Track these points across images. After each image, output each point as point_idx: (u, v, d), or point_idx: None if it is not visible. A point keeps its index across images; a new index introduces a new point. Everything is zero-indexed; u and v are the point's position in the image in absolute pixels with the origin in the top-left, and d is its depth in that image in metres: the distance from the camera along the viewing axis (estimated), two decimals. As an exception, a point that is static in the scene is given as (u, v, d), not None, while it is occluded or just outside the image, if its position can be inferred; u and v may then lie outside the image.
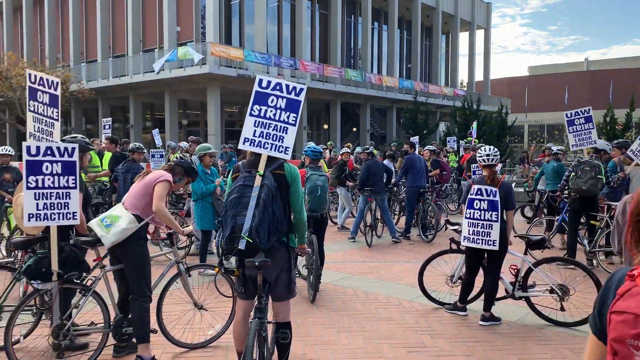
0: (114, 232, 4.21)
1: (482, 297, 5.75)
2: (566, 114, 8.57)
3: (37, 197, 4.19)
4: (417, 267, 6.40)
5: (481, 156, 5.73)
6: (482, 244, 5.51)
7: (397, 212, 12.80)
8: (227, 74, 26.73)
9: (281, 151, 3.84)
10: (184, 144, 13.08)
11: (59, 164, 4.26)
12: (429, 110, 35.18)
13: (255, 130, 3.86)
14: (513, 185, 6.01)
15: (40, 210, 4.21)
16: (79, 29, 35.82)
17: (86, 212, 5.03)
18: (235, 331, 3.84)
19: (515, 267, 5.79)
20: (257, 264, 3.42)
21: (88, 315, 4.86)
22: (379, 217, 10.58)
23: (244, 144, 3.86)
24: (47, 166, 4.22)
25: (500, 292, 5.75)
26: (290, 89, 3.93)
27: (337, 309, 6.04)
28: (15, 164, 8.98)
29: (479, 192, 5.56)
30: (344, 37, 37.50)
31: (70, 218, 4.34)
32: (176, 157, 4.79)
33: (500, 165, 6.04)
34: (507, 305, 6.03)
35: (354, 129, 39.27)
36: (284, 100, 3.91)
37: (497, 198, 5.47)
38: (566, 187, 8.50)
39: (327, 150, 18.04)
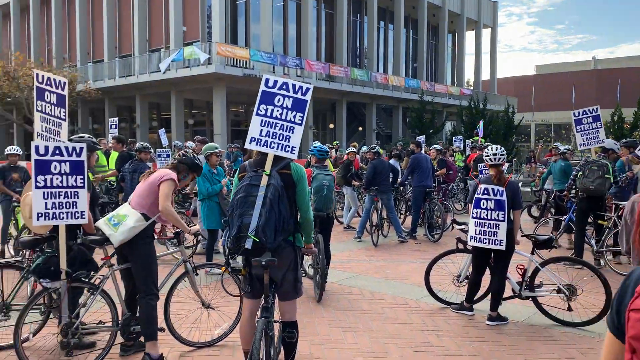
0: (122, 231, 4.23)
1: (489, 296, 5.74)
2: (574, 113, 8.52)
3: (45, 197, 4.23)
4: (424, 267, 6.39)
5: (488, 155, 5.71)
6: (489, 243, 5.49)
7: (403, 212, 12.78)
8: (233, 74, 26.77)
9: (287, 151, 3.84)
10: (190, 143, 13.10)
11: (67, 163, 4.29)
12: (435, 110, 35.12)
13: (261, 130, 3.86)
14: (520, 184, 5.98)
15: (48, 209, 4.24)
16: (85, 29, 35.97)
17: (93, 212, 5.05)
18: (242, 330, 3.85)
19: (522, 267, 5.77)
20: (263, 263, 3.42)
21: (95, 315, 4.88)
22: (385, 217, 10.57)
23: (250, 143, 3.86)
24: (55, 166, 4.25)
25: (507, 292, 5.73)
26: (297, 88, 3.93)
27: (343, 308, 6.04)
28: (22, 163, 9.03)
29: (485, 192, 5.55)
30: (350, 37, 37.47)
31: (78, 217, 4.37)
32: (179, 155, 4.80)
33: (506, 164, 6.00)
34: (514, 305, 6.01)
35: (360, 129, 39.23)
36: (291, 99, 3.91)
37: (504, 197, 5.45)
38: (573, 187, 8.46)
39: (333, 150, 18.04)
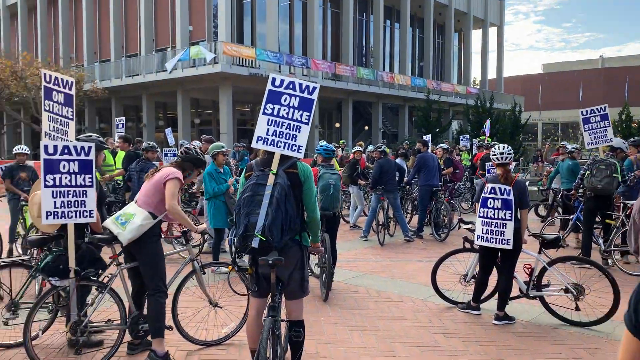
0: (130, 229, 4.25)
1: (496, 296, 5.72)
2: (582, 112, 8.48)
3: (54, 195, 4.26)
4: (430, 266, 6.37)
5: (495, 154, 5.69)
6: (495, 243, 5.48)
7: (409, 211, 12.76)
8: (239, 73, 26.82)
9: (294, 150, 3.84)
10: (196, 142, 13.13)
11: (76, 162, 4.32)
12: (442, 109, 35.03)
13: (268, 129, 3.86)
14: (527, 183, 5.96)
15: (57, 208, 4.28)
16: (92, 29, 36.12)
17: (100, 211, 5.07)
18: (249, 329, 3.86)
19: (529, 266, 5.75)
20: (270, 262, 3.43)
21: (102, 313, 4.90)
22: (392, 216, 10.55)
23: (257, 142, 3.87)
24: (64, 165, 4.28)
25: (514, 292, 5.71)
26: (304, 87, 3.93)
27: (349, 307, 6.04)
28: (30, 162, 9.07)
29: (492, 191, 5.53)
30: (356, 36, 37.44)
31: (87, 216, 4.40)
32: (181, 152, 4.77)
33: (513, 163, 5.98)
34: (521, 304, 5.99)
35: (366, 128, 39.20)
36: (297, 99, 3.91)
37: (511, 197, 5.43)
38: (581, 186, 8.42)
39: (339, 149, 18.03)
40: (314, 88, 3.95)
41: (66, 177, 4.29)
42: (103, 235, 4.42)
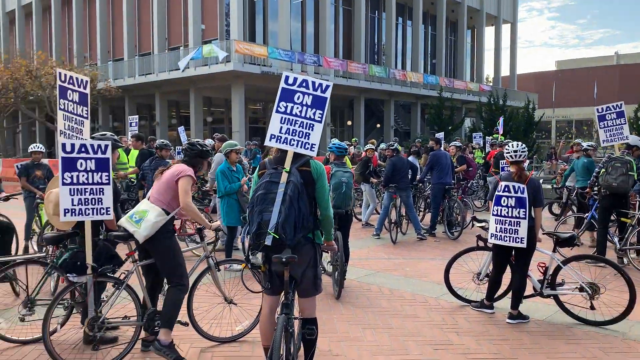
0: (145, 227, 4.30)
1: (510, 294, 5.68)
2: (597, 109, 8.40)
3: (72, 193, 4.33)
4: (443, 265, 6.35)
5: (509, 152, 5.65)
6: (509, 241, 5.44)
7: (422, 209, 12.71)
8: (251, 71, 26.88)
9: (307, 148, 3.84)
10: (209, 141, 13.19)
11: (93, 160, 4.39)
12: (454, 106, 34.84)
13: (281, 127, 3.87)
14: (541, 181, 5.91)
15: (75, 205, 4.35)
16: (106, 28, 36.40)
17: (115, 209, 5.11)
18: (262, 326, 3.87)
19: (543, 265, 5.71)
20: (284, 259, 3.44)
21: (116, 310, 4.95)
22: (404, 214, 10.52)
23: (270, 140, 3.87)
24: (81, 163, 4.35)
25: (528, 290, 5.67)
26: (317, 85, 3.93)
27: (362, 305, 6.04)
28: (45, 161, 9.16)
29: (506, 189, 5.49)
30: (368, 33, 37.36)
31: (103, 213, 4.47)
32: (187, 150, 4.78)
33: (527, 161, 5.93)
34: (535, 303, 5.95)
35: (378, 125, 39.11)
36: (310, 97, 3.91)
37: (525, 195, 5.39)
38: (596, 184, 8.34)
39: (351, 147, 18.00)
40: (327, 86, 3.95)
41: (83, 175, 4.36)
42: (119, 232, 4.47)
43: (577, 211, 10.15)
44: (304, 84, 3.92)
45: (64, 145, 4.29)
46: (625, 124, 8.18)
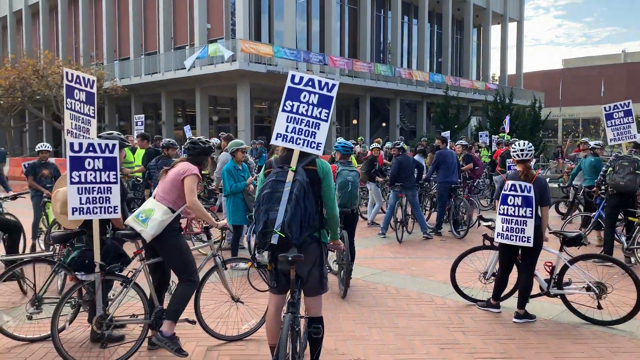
0: (152, 226, 4.32)
1: (516, 294, 5.67)
2: (604, 107, 8.36)
3: (80, 192, 4.36)
4: (449, 264, 6.34)
5: (515, 151, 5.63)
6: (516, 240, 5.42)
7: (428, 208, 12.69)
8: (257, 70, 26.90)
9: (313, 147, 3.84)
10: (215, 140, 13.21)
11: (101, 159, 4.42)
12: (460, 105, 34.76)
13: (287, 126, 3.87)
14: (547, 180, 5.89)
15: (83, 204, 4.37)
16: (112, 28, 36.51)
17: (122, 208, 5.13)
18: (268, 325, 3.88)
19: (550, 264, 5.68)
20: (290, 258, 3.44)
21: (122, 308, 4.96)
22: (410, 213, 10.51)
23: (276, 139, 3.88)
24: (89, 162, 4.37)
25: (535, 290, 5.65)
26: (323, 84, 3.93)
27: (368, 304, 6.03)
28: (52, 160, 9.20)
29: (512, 188, 5.47)
30: (374, 32, 37.31)
31: (111, 212, 4.49)
32: (190, 148, 4.78)
33: (533, 160, 5.92)
34: (541, 302, 5.92)
35: (384, 124, 39.05)
36: (317, 96, 3.91)
37: (532, 194, 5.36)
38: (603, 183, 8.30)
39: (357, 146, 17.99)
40: (334, 85, 3.95)
41: (91, 174, 4.38)
42: (126, 231, 4.49)
43: (584, 210, 10.11)
44: (310, 83, 3.92)
45: (72, 144, 4.32)
46: (633, 122, 8.15)
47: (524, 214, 5.36)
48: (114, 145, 4.46)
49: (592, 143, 10.16)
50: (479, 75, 47.05)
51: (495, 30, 47.38)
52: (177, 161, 4.76)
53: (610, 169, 7.93)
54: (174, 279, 4.76)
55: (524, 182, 5.43)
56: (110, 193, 4.46)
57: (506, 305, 5.88)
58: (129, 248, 4.72)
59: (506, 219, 5.47)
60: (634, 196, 7.94)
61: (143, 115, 17.36)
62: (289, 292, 3.70)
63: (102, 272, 4.41)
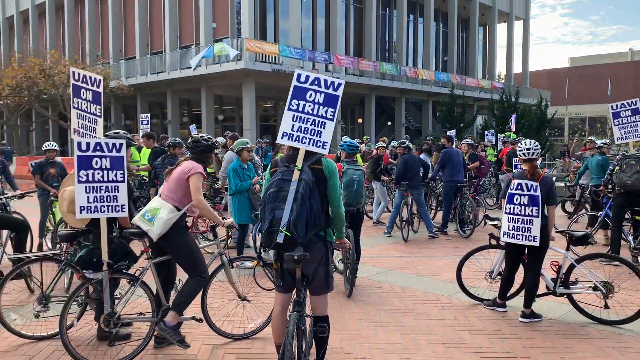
0: (158, 225, 4.35)
1: (522, 293, 5.65)
2: (612, 106, 8.32)
3: (87, 191, 4.40)
4: (455, 263, 6.33)
5: (521, 150, 5.61)
6: (522, 239, 5.40)
7: (433, 207, 12.67)
8: (262, 70, 26.92)
9: (319, 146, 3.84)
10: (220, 139, 13.23)
11: (108, 159, 4.45)
12: (466, 104, 34.65)
13: (293, 125, 3.87)
14: (554, 179, 5.86)
15: (90, 203, 4.41)
16: (118, 27, 36.63)
17: (128, 206, 5.15)
18: (274, 324, 3.88)
19: (556, 264, 5.66)
20: (296, 257, 3.44)
21: (132, 307, 4.98)
22: (416, 212, 10.48)
23: (282, 138, 3.88)
24: (96, 161, 4.41)
25: (541, 289, 5.63)
26: (329, 83, 3.93)
27: (373, 303, 6.03)
28: (58, 159, 9.24)
29: (519, 187, 5.45)
30: (379, 31, 37.25)
31: (119, 210, 4.51)
32: (192, 147, 4.79)
33: (540, 159, 5.92)
34: (547, 302, 5.90)
35: (389, 123, 39.01)
36: (322, 95, 3.91)
37: (538, 193, 5.34)
38: (610, 182, 8.26)
39: (362, 145, 17.97)
40: (339, 84, 3.94)
41: (99, 173, 4.42)
42: (133, 229, 4.51)
43: (590, 209, 10.06)
44: (316, 82, 3.92)
45: (79, 143, 4.34)
46: (640, 121, 8.09)
47: (531, 213, 5.34)
48: (121, 144, 4.49)
49: (599, 142, 10.12)
50: (485, 73, 46.91)
51: (501, 29, 47.23)
52: (181, 160, 4.78)
53: (617, 167, 7.89)
54: (180, 277, 4.78)
55: (531, 181, 5.41)
56: (118, 192, 4.49)
57: (512, 304, 5.86)
58: (136, 246, 4.73)
59: (512, 218, 5.45)
60: (641, 195, 7.88)
61: (149, 114, 17.40)
62: (294, 290, 3.70)
63: (110, 270, 4.44)
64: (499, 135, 20.02)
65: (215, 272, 4.91)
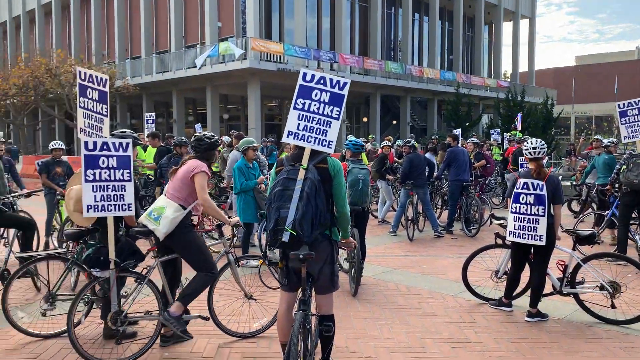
0: (164, 224, 4.37)
1: (528, 292, 5.63)
2: (618, 105, 8.27)
3: (94, 190, 4.42)
4: (461, 262, 6.31)
5: (527, 149, 5.59)
6: (528, 239, 5.38)
7: (439, 206, 12.64)
8: (267, 69, 26.95)
9: (325, 145, 3.84)
10: (226, 138, 13.24)
11: (114, 158, 4.47)
12: (472, 102, 34.58)
13: (299, 124, 3.87)
14: (560, 178, 5.83)
15: (97, 201, 4.43)
16: (123, 27, 36.75)
17: (135, 205, 5.17)
18: (279, 323, 3.88)
19: (563, 263, 5.64)
20: (301, 256, 3.45)
21: (140, 306, 5.00)
22: (421, 211, 10.47)
23: (287, 137, 3.88)
24: (103, 160, 4.43)
25: (547, 288, 5.61)
26: (334, 83, 3.92)
27: (379, 302, 6.02)
28: (64, 158, 9.28)
29: (525, 186, 5.43)
30: (384, 29, 37.20)
31: (125, 209, 4.53)
32: (196, 146, 4.81)
33: (546, 158, 5.90)
34: (554, 301, 5.88)
35: (394, 122, 38.97)
36: (328, 94, 3.91)
37: (544, 192, 5.32)
38: (617, 181, 8.22)
39: (368, 144, 17.96)
40: (345, 83, 3.94)
41: (105, 172, 4.44)
42: (140, 228, 4.53)
43: (597, 208, 10.02)
44: (321, 81, 3.92)
45: (86, 143, 4.36)
46: (647, 119, 8.04)
47: (537, 212, 5.32)
48: (127, 143, 4.51)
49: (605, 140, 10.06)
50: (491, 72, 46.76)
51: (506, 27, 47.09)
52: (185, 159, 4.79)
53: (624, 166, 7.84)
54: (186, 275, 4.80)
55: (537, 180, 5.39)
56: (124, 191, 4.51)
57: (518, 304, 5.85)
58: (142, 245, 4.74)
59: (518, 217, 5.44)
60: (648, 194, 7.84)
61: (154, 113, 17.44)
62: (300, 289, 3.70)
63: (117, 269, 4.46)
64: (504, 134, 19.99)
65: (221, 270, 4.92)
